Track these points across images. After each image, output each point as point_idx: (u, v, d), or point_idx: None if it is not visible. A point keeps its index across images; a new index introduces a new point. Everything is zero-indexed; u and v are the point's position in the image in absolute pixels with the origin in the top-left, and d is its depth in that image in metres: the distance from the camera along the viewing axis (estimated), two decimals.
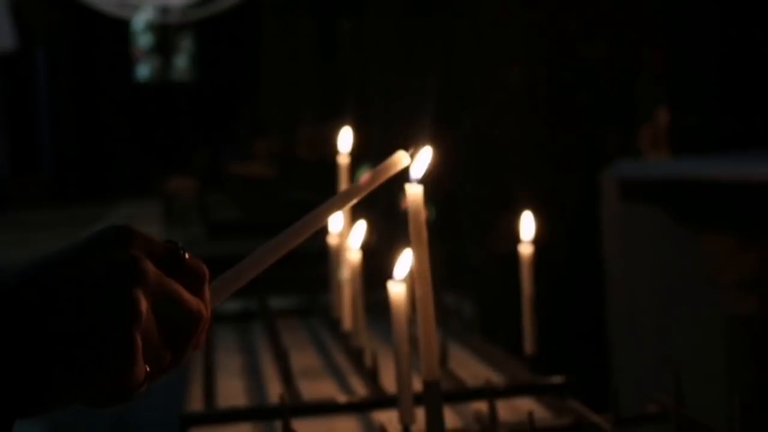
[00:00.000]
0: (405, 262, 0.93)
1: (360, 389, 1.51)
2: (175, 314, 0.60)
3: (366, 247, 1.46)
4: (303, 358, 1.73)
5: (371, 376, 1.47)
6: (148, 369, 0.59)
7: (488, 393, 1.19)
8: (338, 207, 0.73)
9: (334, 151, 1.54)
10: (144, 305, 0.57)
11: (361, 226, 1.42)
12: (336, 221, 1.57)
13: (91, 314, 0.56)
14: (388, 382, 1.42)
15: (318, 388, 1.54)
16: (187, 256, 0.63)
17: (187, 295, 0.61)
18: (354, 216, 1.49)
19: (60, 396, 0.56)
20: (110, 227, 0.61)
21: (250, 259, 0.68)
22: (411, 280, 0.98)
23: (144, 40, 17.18)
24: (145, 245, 0.61)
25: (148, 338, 0.58)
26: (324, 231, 1.61)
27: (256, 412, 1.36)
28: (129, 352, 0.56)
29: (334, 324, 1.83)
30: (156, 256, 0.61)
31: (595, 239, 3.45)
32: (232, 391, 1.56)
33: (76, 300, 0.56)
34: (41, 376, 0.55)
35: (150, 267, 0.59)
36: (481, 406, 1.26)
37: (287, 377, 1.49)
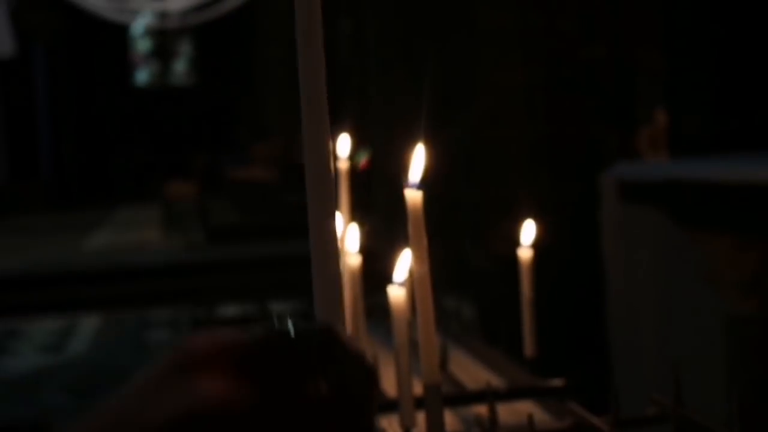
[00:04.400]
0: (404, 263, 0.93)
1: None
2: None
3: (365, 251, 1.46)
4: None
5: None
6: None
7: (488, 396, 1.19)
8: None
9: (333, 155, 1.54)
10: None
11: (354, 229, 1.42)
12: (336, 224, 1.56)
13: None
14: (389, 386, 1.42)
15: None
16: (294, 329, 0.50)
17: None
18: (353, 219, 1.48)
19: None
20: (169, 354, 0.49)
21: None
22: (411, 283, 0.98)
23: (143, 45, 17.20)
24: (218, 355, 0.47)
25: None
26: None
27: None
28: None
29: None
30: (240, 359, 0.48)
31: (595, 241, 3.45)
32: None
33: None
34: None
35: (225, 402, 0.46)
36: (482, 409, 1.26)
37: None
